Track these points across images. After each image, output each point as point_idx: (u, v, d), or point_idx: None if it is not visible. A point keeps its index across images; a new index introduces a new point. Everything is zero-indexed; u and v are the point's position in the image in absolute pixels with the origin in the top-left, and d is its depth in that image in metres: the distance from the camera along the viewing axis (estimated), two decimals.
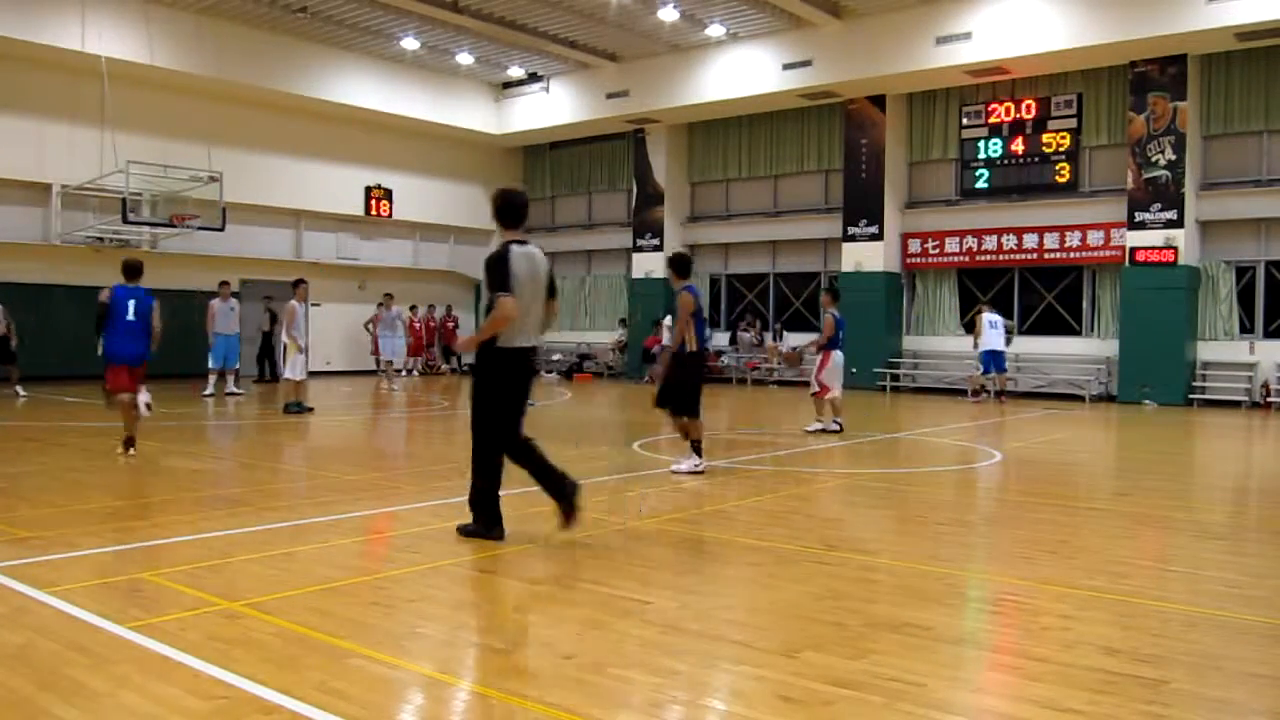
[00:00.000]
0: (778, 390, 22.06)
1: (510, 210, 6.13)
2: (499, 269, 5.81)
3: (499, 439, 5.98)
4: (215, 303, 17.43)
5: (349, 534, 6.27)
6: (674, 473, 8.79)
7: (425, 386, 21.60)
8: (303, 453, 11.12)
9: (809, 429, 12.68)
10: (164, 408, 15.03)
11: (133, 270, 9.88)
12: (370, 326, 22.44)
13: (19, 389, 16.55)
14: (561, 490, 5.90)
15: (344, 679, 3.59)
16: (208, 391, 17.03)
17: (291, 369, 14.47)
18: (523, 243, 5.98)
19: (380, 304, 22.46)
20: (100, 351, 9.94)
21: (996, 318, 18.45)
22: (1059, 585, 5.10)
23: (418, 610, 4.55)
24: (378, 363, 22.31)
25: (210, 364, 17.25)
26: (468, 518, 6.09)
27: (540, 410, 15.87)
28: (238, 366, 18.01)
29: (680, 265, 9.02)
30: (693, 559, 5.72)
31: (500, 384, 5.96)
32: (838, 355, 12.69)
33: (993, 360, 18.35)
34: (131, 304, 9.71)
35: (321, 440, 12.41)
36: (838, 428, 12.56)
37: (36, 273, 19.46)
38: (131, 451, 9.60)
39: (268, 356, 21.21)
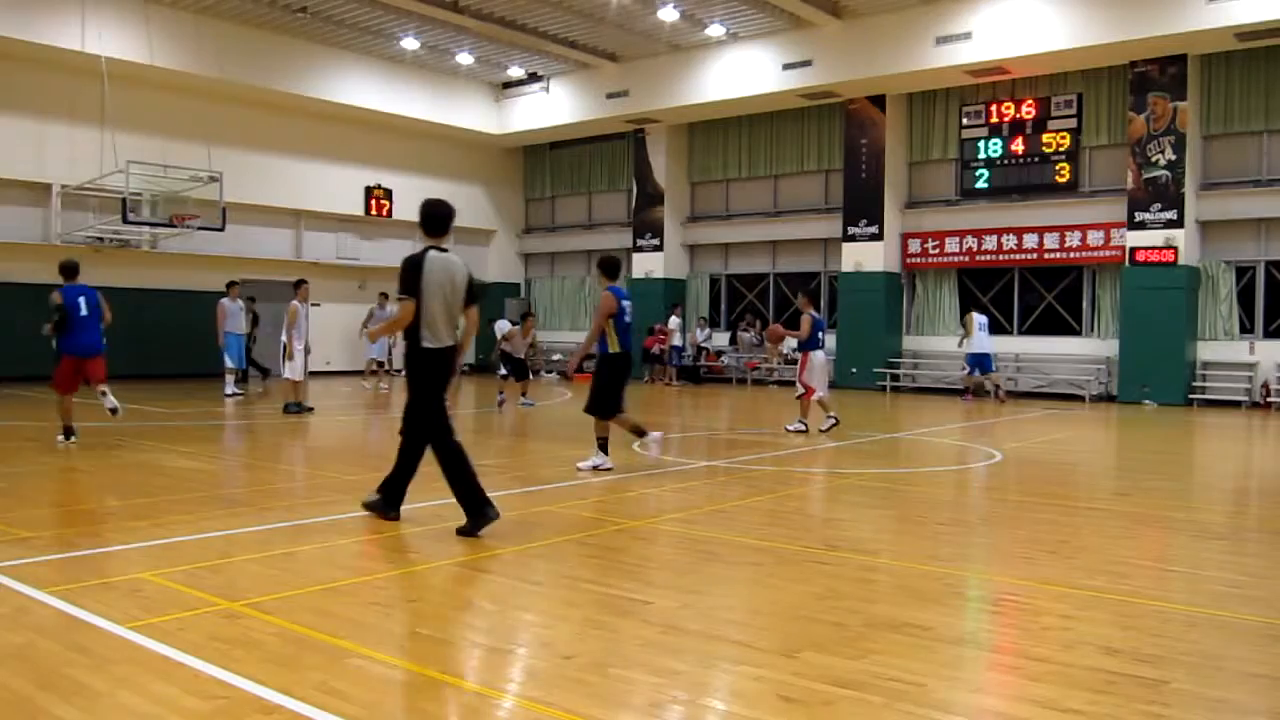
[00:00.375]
0: (778, 390, 22.05)
1: (433, 220, 6.59)
2: (411, 273, 6.21)
3: (421, 430, 6.31)
4: (225, 302, 17.45)
5: (349, 534, 6.27)
6: (579, 469, 8.82)
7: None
8: (303, 453, 11.12)
9: (789, 427, 12.76)
10: (164, 407, 15.05)
11: (71, 270, 10.61)
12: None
13: None
14: (475, 507, 6.05)
15: (344, 679, 3.59)
16: (230, 391, 17.07)
17: (291, 370, 14.47)
18: (443, 250, 6.38)
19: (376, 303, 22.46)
20: (56, 348, 10.58)
21: (984, 319, 18.75)
22: (1059, 585, 5.10)
23: (417, 610, 4.55)
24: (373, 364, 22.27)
25: (227, 363, 17.31)
26: (465, 517, 6.10)
27: (540, 410, 15.87)
28: (245, 367, 17.98)
29: (606, 267, 9.14)
30: (693, 559, 5.72)
31: (420, 381, 6.27)
32: (818, 355, 12.81)
33: (979, 361, 18.66)
34: (82, 300, 10.40)
35: (321, 440, 12.41)
36: (834, 421, 12.60)
37: (36, 273, 19.42)
38: (72, 440, 10.35)
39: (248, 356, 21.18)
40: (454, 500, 6.16)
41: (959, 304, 21.66)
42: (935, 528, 6.79)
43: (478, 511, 6.02)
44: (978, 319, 18.65)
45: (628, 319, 9.01)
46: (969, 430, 13.91)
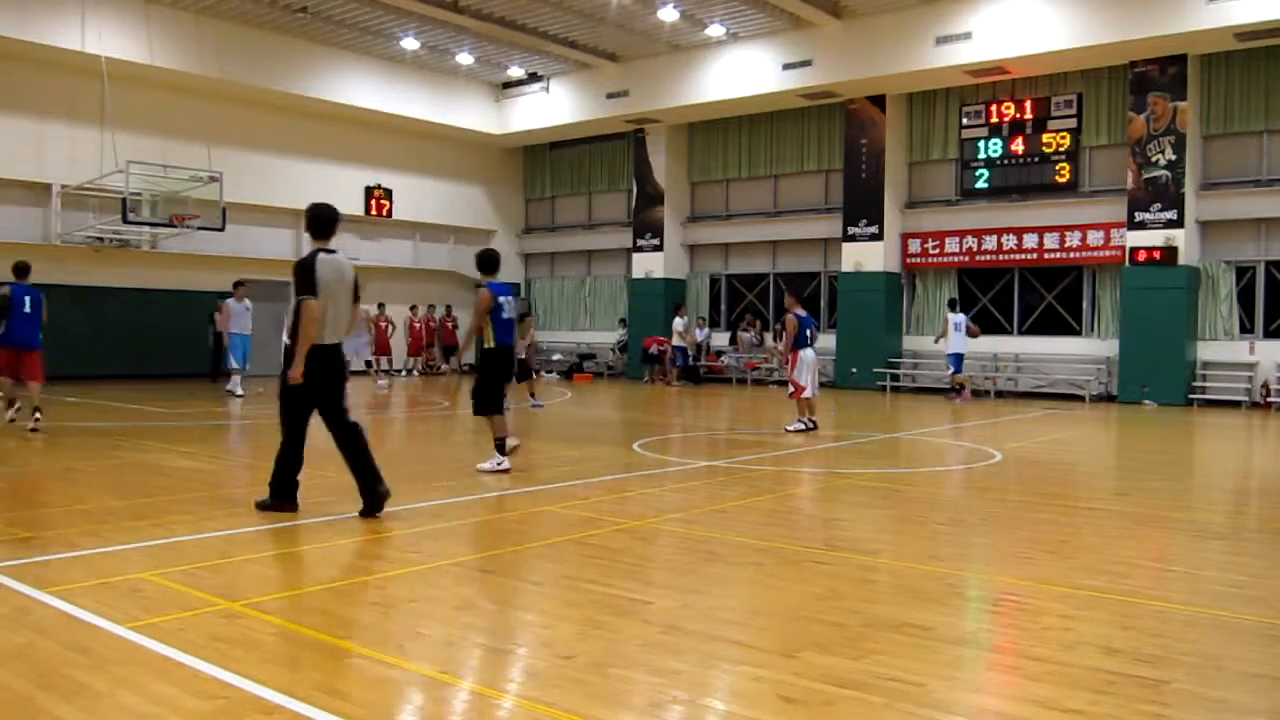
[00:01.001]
0: (778, 390, 22.04)
1: (319, 223, 6.77)
2: (306, 275, 6.50)
3: (295, 426, 6.70)
4: (230, 303, 17.46)
5: (348, 534, 6.27)
6: (479, 471, 8.76)
7: (424, 387, 21.60)
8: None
9: (789, 428, 12.75)
10: (164, 407, 15.05)
11: (23, 270, 11.79)
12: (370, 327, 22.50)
13: None
14: (370, 487, 6.55)
15: (344, 679, 3.59)
16: (239, 392, 17.06)
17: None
18: (331, 251, 6.68)
19: (381, 304, 22.50)
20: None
21: (961, 318, 18.90)
22: (1059, 585, 5.10)
23: (417, 610, 4.54)
24: (378, 362, 22.33)
25: (232, 364, 17.32)
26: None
27: (542, 410, 15.86)
28: (248, 367, 17.91)
29: (483, 263, 9.10)
30: (693, 559, 5.72)
31: (310, 377, 6.56)
32: (807, 354, 12.89)
33: (957, 360, 18.92)
34: (28, 299, 11.55)
35: (321, 440, 12.40)
36: (812, 425, 12.69)
37: (36, 273, 19.16)
38: (17, 409, 11.49)
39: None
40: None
41: (959, 304, 21.66)
42: (935, 528, 6.79)
43: (370, 496, 6.54)
44: (953, 319, 18.79)
45: (505, 314, 8.96)
46: (969, 430, 13.91)
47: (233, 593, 4.70)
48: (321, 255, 6.62)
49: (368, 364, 22.52)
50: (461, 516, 6.79)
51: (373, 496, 6.55)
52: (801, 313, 13.03)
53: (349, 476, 6.67)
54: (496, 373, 9.02)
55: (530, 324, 16.91)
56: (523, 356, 16.34)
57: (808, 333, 12.94)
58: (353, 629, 4.20)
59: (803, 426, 12.67)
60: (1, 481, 7.81)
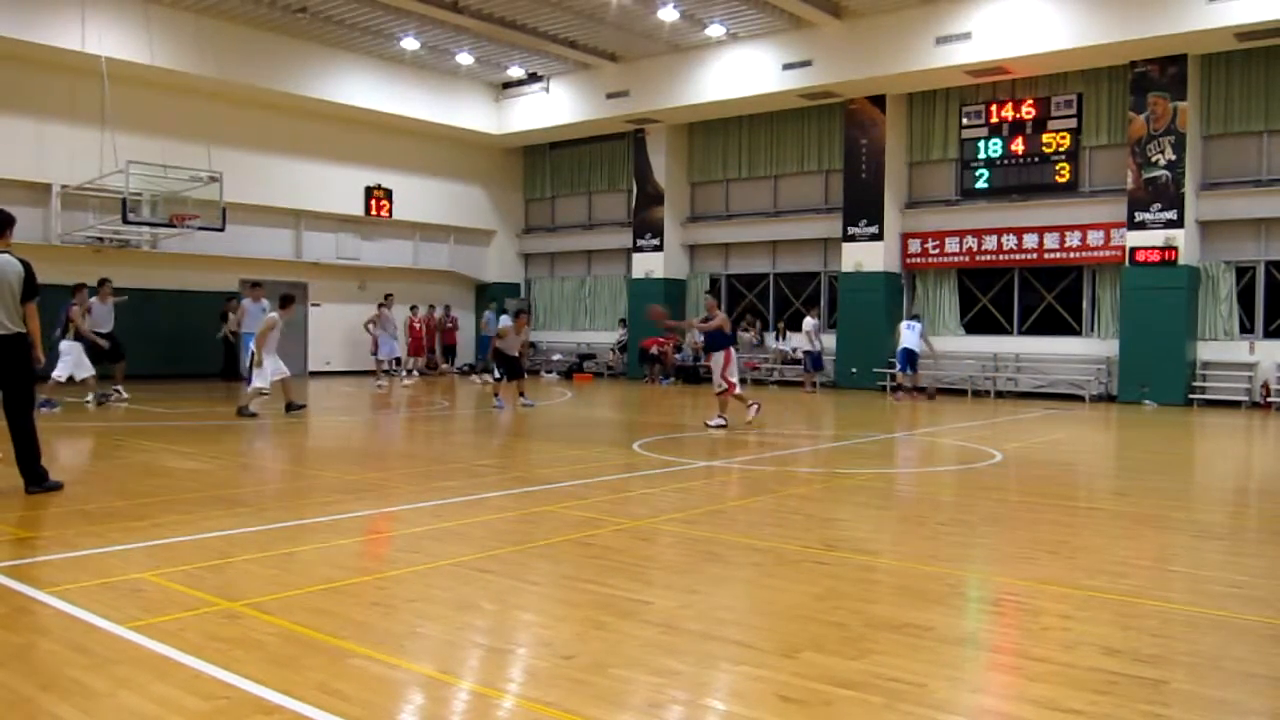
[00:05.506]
0: (778, 390, 22.06)
1: None
2: None
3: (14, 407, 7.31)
4: (247, 303, 17.51)
5: (349, 534, 6.27)
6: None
7: (425, 386, 21.60)
8: (303, 453, 11.12)
9: (710, 423, 13.01)
10: (165, 407, 15.05)
11: None
12: (370, 326, 22.49)
13: None
14: (32, 472, 7.30)
15: (344, 679, 3.59)
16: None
17: (259, 377, 14.30)
18: (3, 252, 7.31)
19: (381, 304, 22.49)
20: None
21: (915, 321, 19.73)
22: (1059, 585, 5.10)
23: (418, 610, 4.54)
24: (378, 363, 22.32)
25: (244, 363, 17.33)
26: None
27: (540, 410, 15.86)
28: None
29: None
30: (693, 559, 5.72)
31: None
32: (733, 351, 13.41)
33: (908, 359, 19.36)
34: None
35: (321, 440, 12.41)
36: (724, 422, 12.92)
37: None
38: None
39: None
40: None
41: (959, 304, 21.68)
42: (935, 528, 6.79)
43: (32, 480, 7.29)
44: (907, 322, 19.63)
45: None
46: (969, 430, 13.90)
47: (233, 593, 4.70)
48: None
49: (396, 361, 22.64)
50: (461, 516, 6.79)
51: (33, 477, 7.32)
52: (723, 312, 13.58)
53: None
54: None
55: (524, 322, 16.82)
56: (514, 354, 16.27)
57: (731, 333, 13.48)
58: (353, 629, 4.20)
59: (723, 423, 12.88)
60: (2, 481, 7.81)
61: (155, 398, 16.62)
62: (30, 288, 7.35)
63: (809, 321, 21.35)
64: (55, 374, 14.54)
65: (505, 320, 23.36)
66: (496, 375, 16.52)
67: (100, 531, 6.09)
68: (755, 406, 13.39)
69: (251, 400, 14.14)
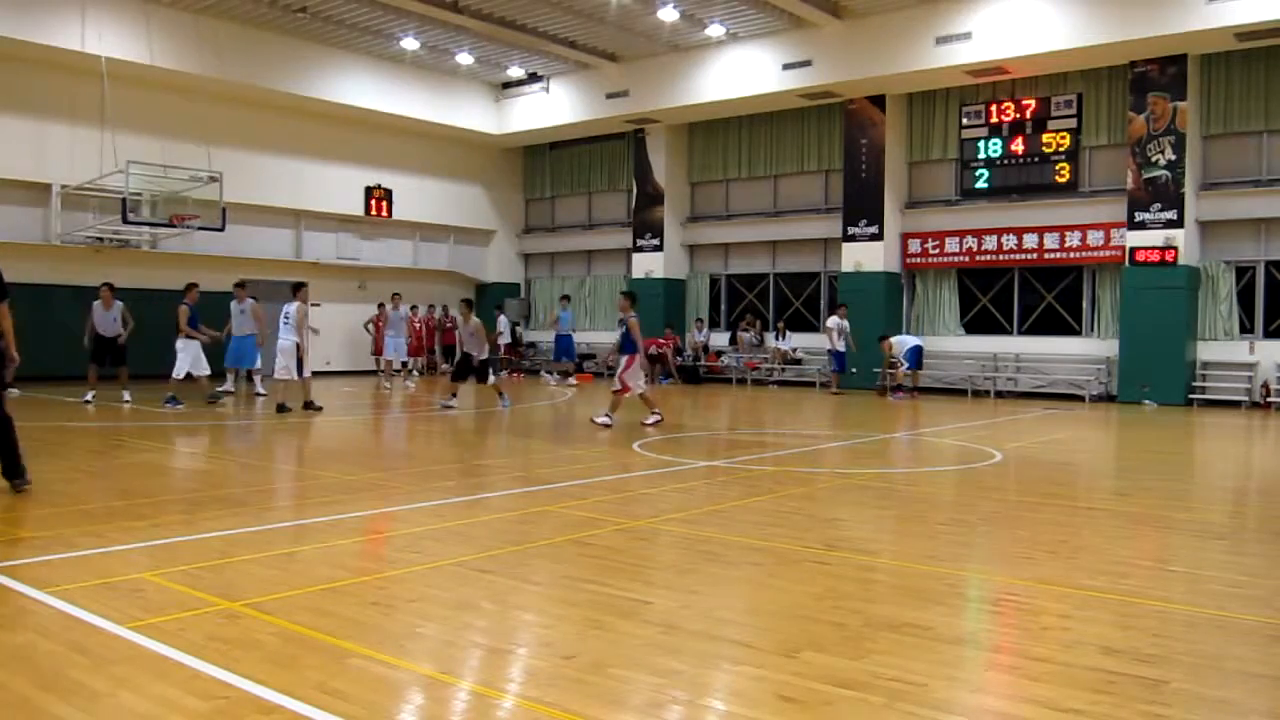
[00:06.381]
0: (778, 390, 22.06)
1: None
2: None
3: None
4: (233, 304, 17.55)
5: (349, 534, 6.27)
6: None
7: (426, 386, 21.60)
8: (303, 453, 11.12)
9: (597, 419, 13.05)
10: (166, 407, 15.05)
11: None
12: (369, 326, 22.55)
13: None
14: (13, 470, 7.39)
15: (344, 679, 3.59)
16: (225, 388, 17.31)
17: (288, 370, 14.63)
18: None
19: (382, 304, 22.52)
20: None
21: (844, 323, 20.74)
22: (1059, 585, 5.10)
23: (418, 610, 4.55)
24: (378, 362, 22.35)
25: (225, 364, 17.48)
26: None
27: (539, 410, 15.87)
28: (256, 366, 17.89)
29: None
30: (693, 559, 5.72)
31: None
32: (639, 357, 13.36)
33: (836, 359, 20.81)
34: None
35: (322, 441, 12.41)
36: (609, 422, 12.89)
37: (37, 273, 19.45)
38: None
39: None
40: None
41: (959, 304, 21.69)
42: (935, 527, 6.79)
43: (14, 477, 7.35)
44: (835, 321, 20.80)
45: None
46: (969, 430, 13.90)
47: (233, 593, 4.70)
48: None
49: (403, 364, 22.75)
50: (461, 516, 6.79)
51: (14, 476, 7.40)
52: (636, 315, 13.44)
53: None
54: None
55: (481, 328, 16.03)
56: (485, 358, 15.97)
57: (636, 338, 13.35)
58: (353, 629, 4.21)
59: (609, 422, 12.87)
60: (2, 481, 7.81)
61: (157, 397, 16.61)
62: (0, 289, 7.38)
63: (834, 321, 21.11)
64: (174, 372, 15.09)
65: (501, 320, 23.30)
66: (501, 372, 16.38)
67: (100, 531, 6.09)
68: (657, 417, 13.22)
69: (308, 391, 14.63)
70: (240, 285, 17.56)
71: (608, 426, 12.76)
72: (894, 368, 20.17)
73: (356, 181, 24.88)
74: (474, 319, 15.93)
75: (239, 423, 14.00)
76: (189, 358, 15.32)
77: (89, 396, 15.31)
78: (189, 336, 15.43)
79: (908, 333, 21.25)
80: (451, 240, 27.71)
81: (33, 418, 13.24)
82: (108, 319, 15.80)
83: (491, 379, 16.17)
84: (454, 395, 15.99)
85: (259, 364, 17.72)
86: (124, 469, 9.05)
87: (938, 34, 19.38)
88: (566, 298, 25.62)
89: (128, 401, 15.47)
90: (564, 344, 23.62)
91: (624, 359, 13.32)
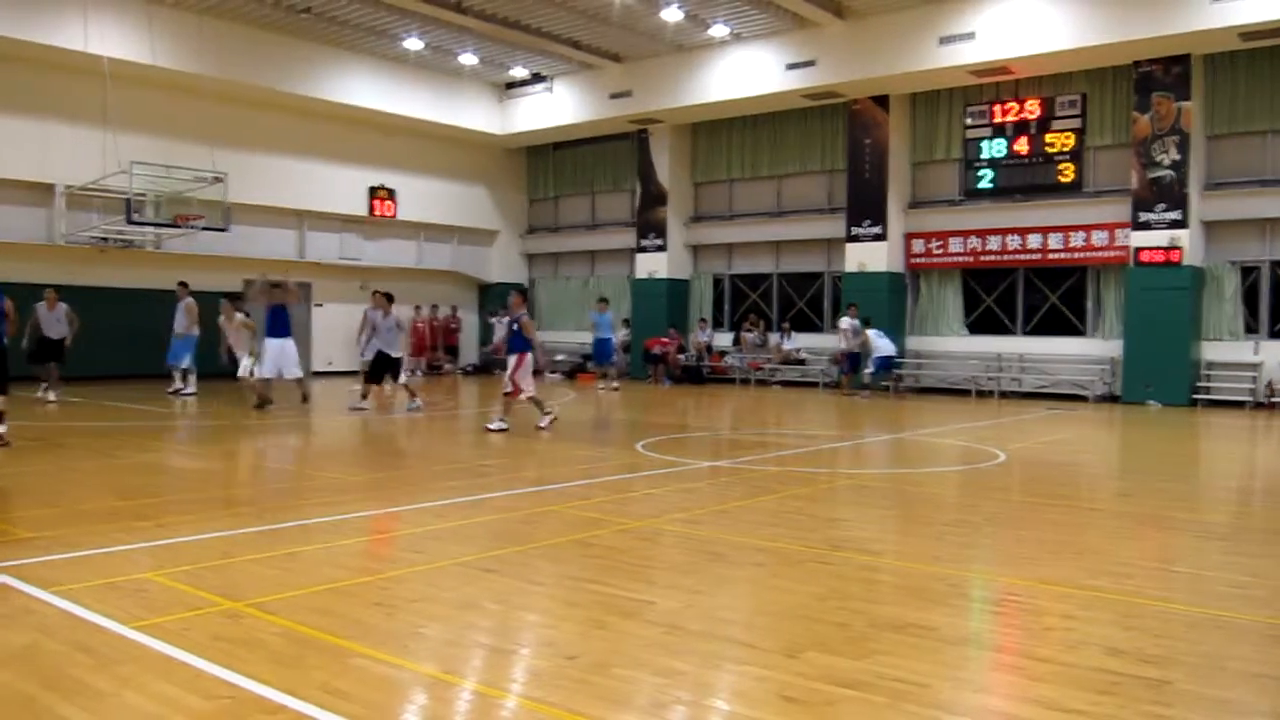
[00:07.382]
0: (781, 390, 22.05)
1: None
2: None
3: None
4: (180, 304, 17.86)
5: (352, 534, 6.28)
6: None
7: (427, 387, 21.61)
8: (305, 453, 11.13)
9: (490, 426, 12.36)
10: (167, 407, 15.08)
11: None
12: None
13: None
14: None
15: (347, 679, 3.59)
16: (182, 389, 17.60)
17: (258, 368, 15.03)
18: None
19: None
20: None
21: (856, 322, 20.53)
22: (1062, 586, 5.10)
23: (420, 610, 4.55)
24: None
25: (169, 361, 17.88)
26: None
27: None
28: (185, 366, 17.95)
29: None
30: (696, 559, 5.72)
31: None
32: (529, 357, 12.70)
33: (849, 359, 20.75)
34: None
35: (324, 441, 12.42)
36: (553, 417, 12.74)
37: (40, 273, 19.47)
38: None
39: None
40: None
41: (963, 304, 21.66)
42: (939, 528, 6.79)
43: None
44: (848, 321, 20.69)
45: None
46: (973, 431, 13.89)
47: (236, 593, 4.71)
48: None
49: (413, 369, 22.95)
50: (464, 516, 6.80)
51: None
52: (527, 314, 13.06)
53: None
54: None
55: (400, 322, 15.76)
56: (398, 355, 15.60)
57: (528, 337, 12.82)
58: (356, 629, 4.21)
59: (504, 427, 12.28)
60: (5, 482, 7.83)
61: (159, 398, 16.64)
62: None
63: (846, 321, 20.87)
64: (262, 373, 15.14)
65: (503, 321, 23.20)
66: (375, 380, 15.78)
67: (104, 531, 6.10)
68: (550, 417, 12.72)
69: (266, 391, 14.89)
70: (183, 284, 18.03)
71: (503, 431, 12.12)
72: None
73: (360, 182, 24.89)
74: (394, 312, 15.21)
75: (241, 424, 14.03)
76: (272, 358, 15.12)
77: (46, 392, 15.55)
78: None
79: (907, 334, 21.05)
80: (455, 240, 27.71)
81: (34, 417, 13.27)
82: (52, 320, 15.90)
83: (403, 378, 15.97)
84: (364, 397, 15.29)
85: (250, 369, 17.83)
86: (128, 469, 9.06)
87: (941, 34, 19.35)
88: (605, 300, 23.72)
89: (51, 401, 15.47)
90: (603, 347, 22.17)
91: (513, 358, 12.59)
